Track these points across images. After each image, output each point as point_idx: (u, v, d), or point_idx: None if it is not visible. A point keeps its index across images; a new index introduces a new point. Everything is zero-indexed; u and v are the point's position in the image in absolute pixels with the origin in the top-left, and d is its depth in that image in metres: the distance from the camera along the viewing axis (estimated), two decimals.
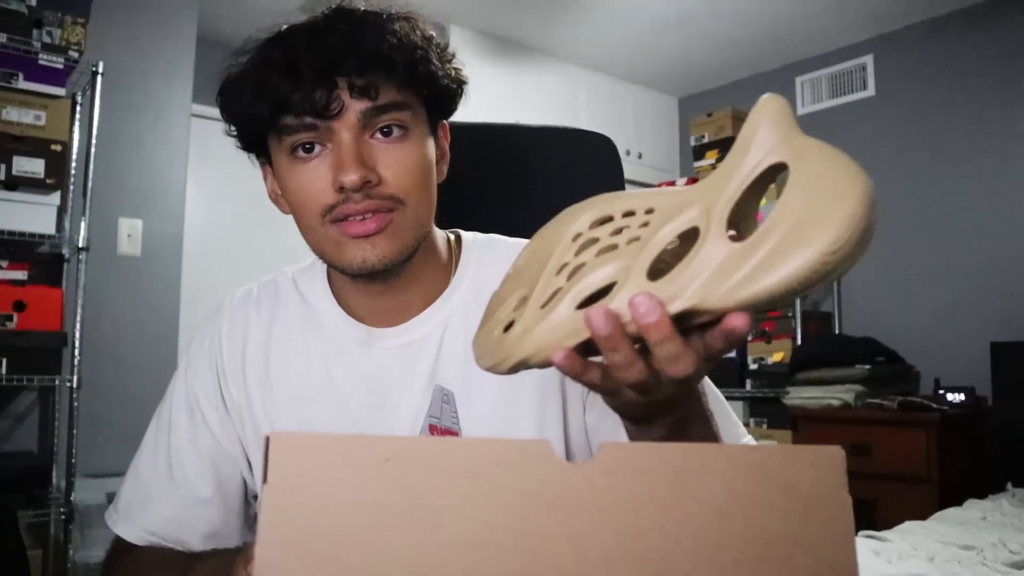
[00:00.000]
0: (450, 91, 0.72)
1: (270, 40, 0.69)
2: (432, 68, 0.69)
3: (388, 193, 0.66)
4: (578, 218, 0.49)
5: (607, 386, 0.46)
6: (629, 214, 0.47)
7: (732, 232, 0.42)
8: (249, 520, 0.81)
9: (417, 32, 0.70)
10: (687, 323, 0.42)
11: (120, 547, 0.79)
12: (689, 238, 0.43)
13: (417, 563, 0.33)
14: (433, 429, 0.73)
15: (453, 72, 0.72)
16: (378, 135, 0.67)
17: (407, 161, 0.68)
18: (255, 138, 0.72)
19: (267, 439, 0.34)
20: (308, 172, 0.67)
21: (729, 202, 0.42)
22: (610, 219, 0.47)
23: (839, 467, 0.38)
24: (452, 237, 0.81)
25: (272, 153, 0.71)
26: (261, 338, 0.79)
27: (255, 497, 0.80)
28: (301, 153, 0.67)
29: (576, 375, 0.45)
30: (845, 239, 0.37)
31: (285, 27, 0.69)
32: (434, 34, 0.72)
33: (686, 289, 0.41)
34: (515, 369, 0.47)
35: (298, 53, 0.65)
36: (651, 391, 0.46)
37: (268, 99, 0.66)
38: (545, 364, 0.45)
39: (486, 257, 0.80)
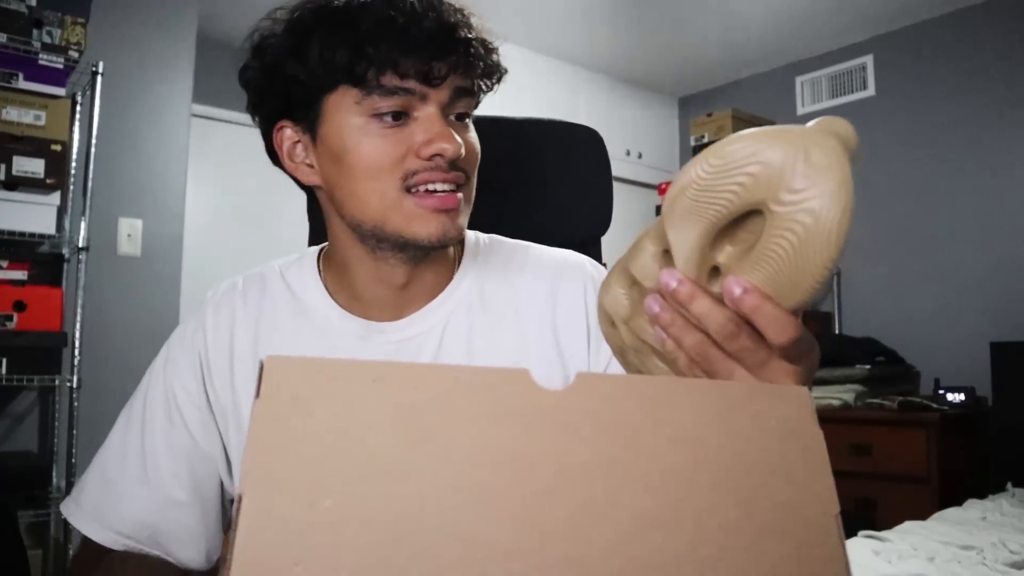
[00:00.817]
0: (480, 96, 0.74)
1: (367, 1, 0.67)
2: (494, 70, 0.72)
3: (464, 168, 0.69)
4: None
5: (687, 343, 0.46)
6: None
7: None
8: (226, 525, 0.77)
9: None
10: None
11: (92, 550, 0.75)
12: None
13: (401, 472, 0.33)
14: None
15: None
16: (452, 116, 0.69)
17: (475, 143, 0.72)
18: (308, 97, 0.69)
19: (261, 363, 0.35)
20: (392, 135, 0.67)
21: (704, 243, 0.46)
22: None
23: (806, 404, 0.39)
24: None
25: (327, 113, 0.68)
26: (249, 333, 0.76)
27: (232, 501, 0.77)
28: (388, 119, 0.66)
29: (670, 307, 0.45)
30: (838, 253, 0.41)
31: None
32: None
33: None
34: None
35: (410, 16, 0.65)
36: (715, 363, 0.45)
37: (372, 58, 0.64)
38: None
39: (489, 257, 0.80)
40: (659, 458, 0.36)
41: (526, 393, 0.36)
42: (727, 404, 0.38)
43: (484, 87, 0.72)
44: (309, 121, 0.70)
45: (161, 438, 0.75)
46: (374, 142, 0.67)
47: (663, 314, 0.45)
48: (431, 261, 0.75)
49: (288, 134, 0.73)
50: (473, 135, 0.72)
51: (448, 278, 0.77)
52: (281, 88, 0.70)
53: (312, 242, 1.06)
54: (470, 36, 0.68)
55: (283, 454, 0.33)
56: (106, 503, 0.74)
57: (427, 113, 0.67)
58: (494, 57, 0.71)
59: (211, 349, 0.76)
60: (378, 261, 0.73)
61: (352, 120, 0.67)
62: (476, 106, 0.74)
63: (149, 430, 0.75)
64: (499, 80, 0.73)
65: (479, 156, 0.72)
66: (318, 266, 0.79)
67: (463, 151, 0.67)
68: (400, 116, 0.67)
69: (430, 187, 0.67)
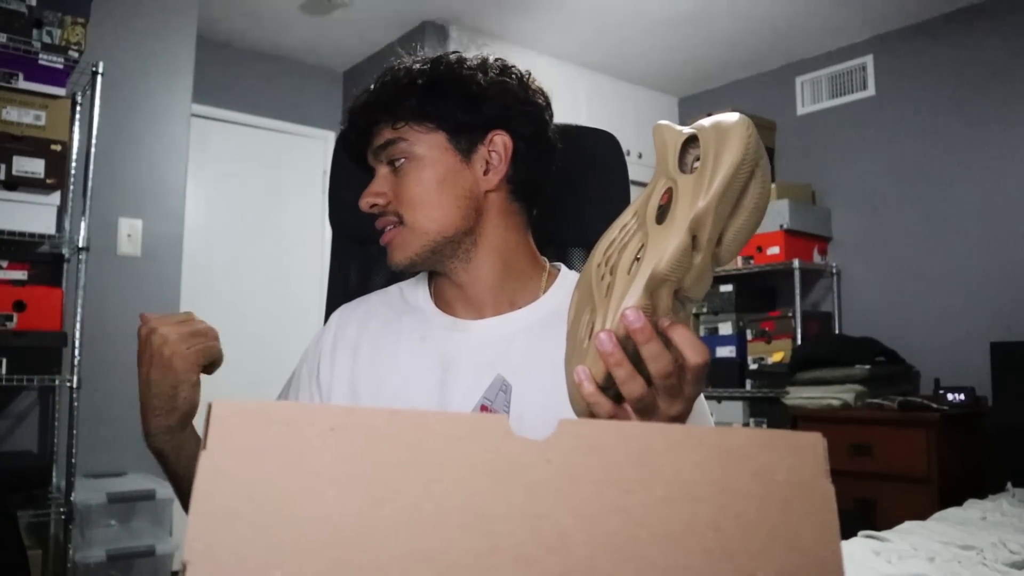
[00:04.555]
0: (464, 118, 0.83)
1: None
2: (426, 104, 0.82)
3: (392, 211, 0.84)
4: (592, 259, 0.62)
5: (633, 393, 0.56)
6: (623, 228, 0.61)
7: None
8: None
9: (438, 69, 0.83)
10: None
11: None
12: (669, 200, 0.59)
13: (359, 537, 0.30)
14: (484, 409, 0.82)
15: (475, 97, 0.83)
16: (388, 167, 0.85)
17: (404, 185, 0.83)
18: None
19: (209, 406, 0.32)
20: None
21: (677, 165, 0.59)
22: (612, 241, 0.61)
23: (819, 454, 0.36)
24: (551, 268, 0.92)
25: None
26: (356, 325, 0.92)
27: None
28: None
29: (644, 335, 0.54)
30: (750, 137, 0.56)
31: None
32: (465, 63, 0.85)
33: (687, 207, 0.55)
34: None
35: (345, 119, 0.88)
36: (649, 411, 0.56)
37: (344, 152, 0.92)
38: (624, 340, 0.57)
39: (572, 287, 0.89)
40: (648, 522, 0.32)
41: (502, 445, 0.33)
42: (729, 455, 0.34)
43: (426, 125, 0.83)
44: None
45: (304, 387, 0.92)
46: None
47: (614, 353, 0.54)
48: (473, 273, 0.86)
49: None
50: (405, 178, 0.83)
51: (534, 295, 0.88)
52: None
53: (334, 245, 1.12)
54: (372, 103, 0.84)
55: (230, 519, 0.30)
56: None
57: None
58: (399, 106, 0.82)
59: (329, 344, 0.92)
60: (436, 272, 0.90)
61: None
62: (477, 131, 0.84)
63: (296, 381, 0.94)
64: (438, 117, 0.83)
65: (414, 192, 0.83)
66: (429, 278, 0.94)
67: (379, 200, 0.84)
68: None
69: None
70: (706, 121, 0.59)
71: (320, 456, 0.32)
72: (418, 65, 0.85)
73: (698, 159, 0.58)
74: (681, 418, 0.57)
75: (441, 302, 0.91)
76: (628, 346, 0.55)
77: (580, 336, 0.60)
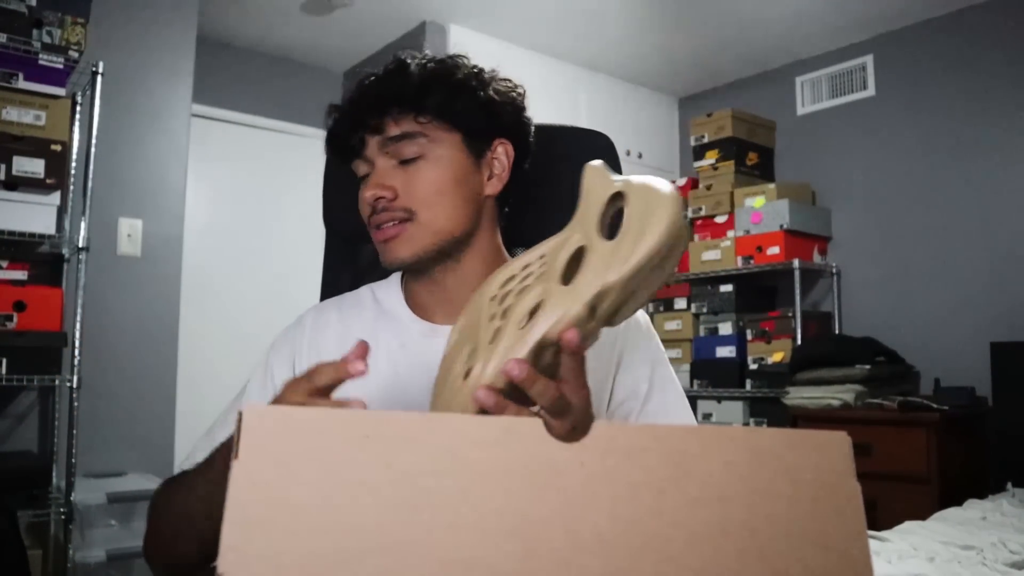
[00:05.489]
0: (482, 123, 0.84)
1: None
2: (453, 103, 0.82)
3: (400, 206, 0.82)
4: (488, 288, 0.62)
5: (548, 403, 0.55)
6: (526, 267, 0.60)
7: None
8: None
9: (458, 71, 0.84)
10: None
11: (169, 481, 0.84)
12: (578, 257, 0.57)
13: (397, 545, 0.30)
14: None
15: (490, 104, 0.84)
16: (396, 164, 0.83)
17: (419, 180, 0.82)
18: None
19: (240, 413, 0.31)
20: (361, 190, 0.84)
21: (597, 223, 0.57)
22: (513, 277, 0.60)
23: (846, 453, 0.36)
24: None
25: None
26: (336, 333, 0.90)
27: None
28: (357, 177, 0.86)
29: (528, 383, 0.51)
30: (678, 219, 0.53)
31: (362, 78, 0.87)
32: (480, 69, 0.86)
33: (596, 277, 0.53)
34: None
35: (344, 104, 0.85)
36: (563, 413, 0.54)
37: (330, 140, 0.87)
38: (507, 385, 0.54)
39: None
40: (683, 523, 0.33)
41: (538, 449, 0.33)
42: (758, 455, 0.35)
43: (439, 122, 0.82)
44: None
45: (256, 399, 0.88)
46: (359, 194, 0.85)
47: (496, 404, 0.51)
48: (459, 273, 0.86)
49: None
50: (418, 173, 0.82)
51: None
52: None
53: (327, 244, 1.11)
54: (384, 94, 0.82)
55: (265, 528, 0.29)
56: (205, 450, 0.82)
57: (369, 170, 0.84)
58: (420, 101, 0.81)
59: (306, 342, 0.90)
60: (416, 274, 0.88)
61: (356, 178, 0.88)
62: (486, 135, 0.85)
63: (247, 395, 0.89)
64: (451, 113, 0.82)
65: (428, 188, 0.82)
66: (402, 281, 0.93)
67: (387, 193, 0.81)
68: (366, 174, 0.85)
69: (380, 225, 0.84)
70: (636, 180, 0.56)
71: (355, 463, 0.31)
72: (433, 64, 0.84)
73: (620, 217, 0.55)
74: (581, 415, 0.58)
75: (415, 306, 0.89)
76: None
77: (456, 372, 0.58)
